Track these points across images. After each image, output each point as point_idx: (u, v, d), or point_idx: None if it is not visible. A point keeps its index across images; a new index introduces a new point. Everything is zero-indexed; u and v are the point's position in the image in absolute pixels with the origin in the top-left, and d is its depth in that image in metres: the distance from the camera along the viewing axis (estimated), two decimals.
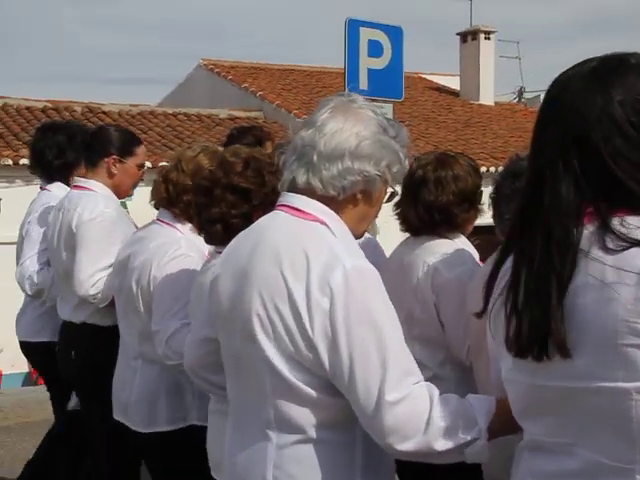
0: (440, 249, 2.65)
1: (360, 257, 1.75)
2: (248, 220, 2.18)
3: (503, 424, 1.68)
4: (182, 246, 2.82)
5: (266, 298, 1.72)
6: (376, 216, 1.96)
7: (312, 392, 1.72)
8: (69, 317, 3.43)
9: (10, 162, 11.57)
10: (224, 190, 2.35)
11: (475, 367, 2.51)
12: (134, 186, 3.60)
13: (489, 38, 19.03)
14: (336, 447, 1.78)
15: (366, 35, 8.80)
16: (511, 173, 2.37)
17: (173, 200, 2.87)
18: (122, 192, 3.53)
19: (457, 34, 19.40)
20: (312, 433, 1.75)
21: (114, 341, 3.10)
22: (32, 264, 3.69)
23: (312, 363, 1.69)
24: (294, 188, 1.82)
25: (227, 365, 1.94)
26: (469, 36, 19.10)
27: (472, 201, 2.70)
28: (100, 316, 3.32)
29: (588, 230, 1.36)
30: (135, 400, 2.90)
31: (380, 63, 8.93)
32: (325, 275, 1.67)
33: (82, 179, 3.45)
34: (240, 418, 1.90)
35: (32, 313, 3.89)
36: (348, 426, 1.76)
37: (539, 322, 1.37)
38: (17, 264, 3.78)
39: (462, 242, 2.76)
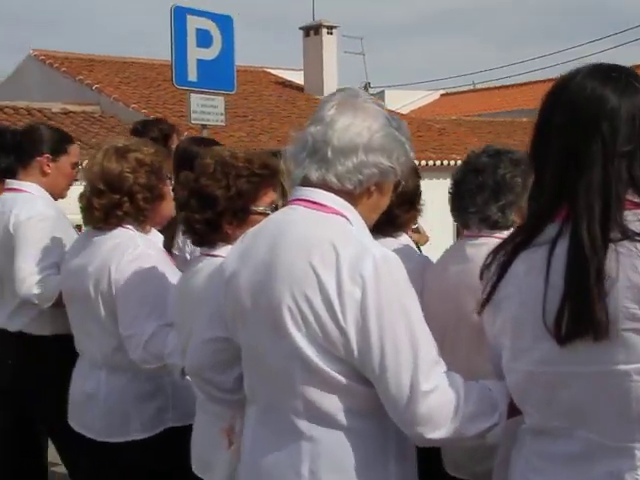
0: (389, 246, 2.69)
1: (384, 247, 1.81)
2: (218, 227, 2.33)
3: (512, 407, 1.74)
4: (140, 244, 2.73)
5: (295, 290, 1.74)
6: (385, 207, 1.99)
7: (342, 380, 1.74)
8: (3, 325, 3.31)
9: None
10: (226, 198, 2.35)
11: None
12: (69, 186, 3.51)
13: (332, 33, 19.26)
14: (369, 436, 1.80)
15: (194, 23, 8.58)
16: (473, 168, 2.48)
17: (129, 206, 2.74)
18: (57, 193, 3.44)
19: (300, 28, 19.42)
20: (344, 422, 1.77)
21: (57, 351, 3.05)
22: None
23: (343, 352, 1.72)
24: (307, 184, 1.84)
25: (248, 362, 1.94)
26: (312, 31, 19.23)
27: (412, 202, 2.82)
28: (39, 325, 3.23)
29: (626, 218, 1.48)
30: (104, 412, 2.77)
31: (210, 53, 8.75)
32: (356, 265, 1.70)
33: (15, 181, 3.35)
34: (265, 414, 1.90)
35: None
36: (379, 416, 1.78)
37: (583, 309, 1.45)
38: None
39: (405, 240, 2.88)
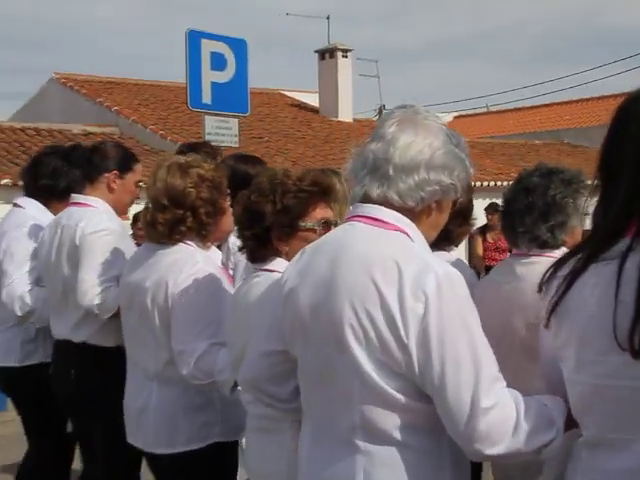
0: (443, 260, 2.78)
1: (446, 264, 1.78)
2: (268, 243, 2.33)
3: (568, 421, 1.74)
4: (199, 261, 2.74)
5: (357, 306, 1.72)
6: (444, 224, 1.98)
7: (401, 397, 1.72)
8: (67, 336, 3.33)
9: None
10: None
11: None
12: (131, 203, 3.57)
13: (346, 56, 19.39)
14: (425, 452, 1.78)
15: (208, 47, 8.77)
16: (524, 188, 2.49)
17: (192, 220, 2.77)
18: (121, 209, 3.50)
19: (315, 51, 19.60)
20: (400, 438, 1.75)
21: (118, 362, 3.04)
22: (22, 284, 3.54)
23: (404, 368, 1.70)
24: (367, 201, 1.83)
25: (305, 376, 1.93)
26: (327, 54, 19.40)
27: (465, 216, 2.85)
28: (102, 336, 3.25)
29: None
30: (153, 423, 2.79)
31: (224, 76, 8.93)
32: (418, 281, 1.68)
33: (81, 196, 3.39)
34: (320, 429, 1.90)
35: (16, 338, 3.69)
36: (435, 431, 1.76)
37: None
38: (2, 285, 3.58)
39: (456, 254, 2.92)
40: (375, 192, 1.80)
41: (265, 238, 2.33)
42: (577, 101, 23.37)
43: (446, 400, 1.68)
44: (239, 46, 9.12)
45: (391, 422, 1.75)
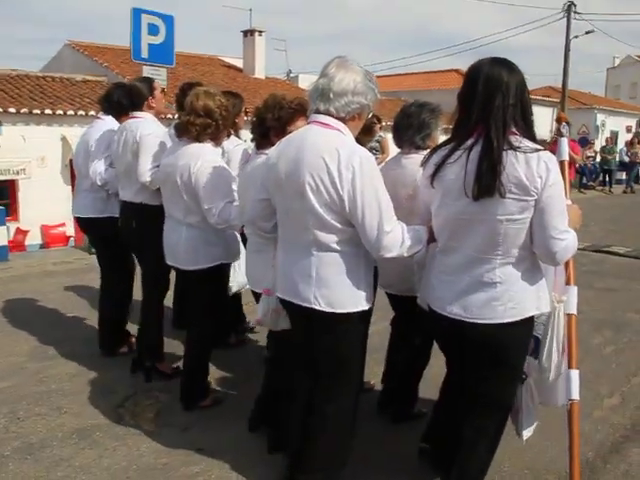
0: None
1: (364, 149, 1.86)
2: (267, 137, 2.37)
3: (430, 239, 1.92)
4: (213, 153, 2.73)
5: (313, 173, 1.80)
6: (361, 127, 2.00)
7: (337, 224, 1.83)
8: (131, 199, 3.29)
9: None
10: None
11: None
12: (164, 105, 3.46)
13: (261, 35, 18.74)
14: (351, 255, 1.89)
15: (146, 20, 8.55)
16: (406, 114, 2.51)
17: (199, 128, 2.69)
18: (160, 113, 3.47)
19: (241, 31, 18.95)
20: (337, 248, 1.87)
21: (160, 214, 3.02)
22: (100, 166, 3.48)
23: (339, 208, 1.80)
24: (318, 113, 1.89)
25: (281, 214, 1.99)
26: (248, 33, 18.72)
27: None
28: (152, 199, 3.21)
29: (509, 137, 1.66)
30: (184, 250, 2.80)
31: (157, 40, 8.75)
32: (349, 159, 1.77)
33: (137, 112, 3.34)
34: (290, 244, 1.97)
35: (93, 196, 3.60)
36: (356, 245, 1.88)
37: (490, 180, 1.63)
38: (90, 166, 3.51)
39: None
40: (322, 107, 1.86)
41: (266, 135, 2.37)
42: (410, 74, 23.62)
43: (364, 227, 1.79)
44: (169, 19, 8.94)
45: (331, 239, 1.86)
